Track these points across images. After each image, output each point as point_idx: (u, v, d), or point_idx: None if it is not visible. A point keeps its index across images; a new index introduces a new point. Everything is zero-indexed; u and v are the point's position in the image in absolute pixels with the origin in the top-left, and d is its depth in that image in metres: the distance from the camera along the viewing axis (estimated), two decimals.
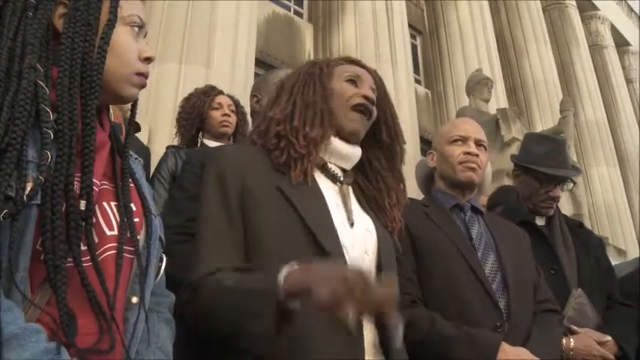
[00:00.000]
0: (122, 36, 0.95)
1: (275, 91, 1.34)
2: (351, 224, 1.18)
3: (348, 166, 1.28)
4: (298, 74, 1.30)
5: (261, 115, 1.31)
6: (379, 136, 1.33)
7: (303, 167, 1.16)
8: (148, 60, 0.98)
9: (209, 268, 1.07)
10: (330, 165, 1.25)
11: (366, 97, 1.26)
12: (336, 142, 1.25)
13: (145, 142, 4.13)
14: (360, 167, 1.31)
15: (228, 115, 2.50)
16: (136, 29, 0.97)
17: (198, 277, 1.07)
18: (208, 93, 2.55)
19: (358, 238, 1.17)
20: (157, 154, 2.67)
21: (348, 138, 1.26)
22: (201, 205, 1.16)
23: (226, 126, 2.49)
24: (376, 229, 1.22)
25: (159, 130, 5.24)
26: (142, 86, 0.98)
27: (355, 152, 1.29)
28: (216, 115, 2.49)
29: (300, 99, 1.24)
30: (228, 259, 1.08)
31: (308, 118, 1.21)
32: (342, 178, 1.26)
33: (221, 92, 2.61)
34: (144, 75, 0.97)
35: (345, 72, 1.30)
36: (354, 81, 1.29)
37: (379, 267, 1.19)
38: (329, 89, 1.26)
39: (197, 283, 1.07)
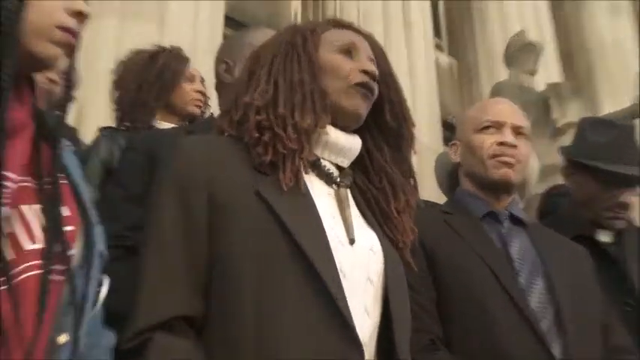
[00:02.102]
0: None
1: (247, 67, 1.34)
2: (351, 241, 1.19)
3: (346, 163, 1.30)
4: (277, 45, 1.32)
5: (232, 97, 1.32)
6: (381, 118, 1.35)
7: (294, 167, 1.18)
8: (80, 16, 0.98)
9: (150, 321, 1.07)
10: (322, 162, 1.27)
11: (366, 72, 1.28)
12: (332, 132, 1.27)
13: (71, 121, 4.11)
14: (357, 161, 1.33)
15: (202, 93, 2.49)
16: None
17: (138, 331, 1.07)
18: (180, 58, 2.53)
19: (360, 260, 1.18)
20: (87, 137, 2.64)
21: (345, 124, 1.29)
22: (150, 224, 1.16)
23: (199, 106, 2.48)
24: (382, 246, 1.23)
25: (91, 105, 5.22)
26: (69, 46, 0.98)
27: (354, 143, 1.30)
28: (189, 89, 2.47)
29: (283, 78, 1.26)
30: (179, 306, 1.09)
31: (296, 103, 1.23)
32: (338, 179, 1.27)
33: (189, 60, 2.60)
34: (70, 31, 0.97)
35: (335, 40, 1.32)
36: (348, 51, 1.31)
37: (386, 297, 1.19)
38: (318, 63, 1.28)
39: (139, 341, 1.06)
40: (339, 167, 1.29)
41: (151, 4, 6.04)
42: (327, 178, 1.26)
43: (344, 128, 1.29)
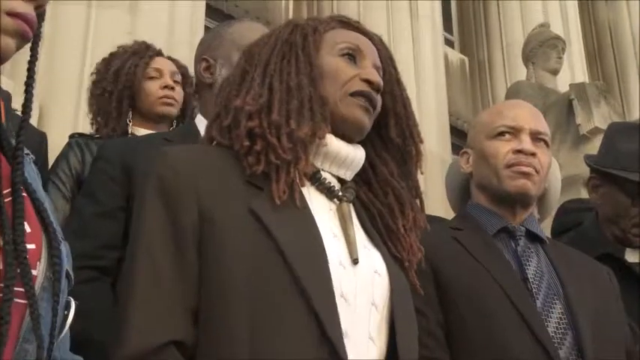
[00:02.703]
0: None
1: (240, 65, 1.35)
2: (354, 261, 1.20)
3: (349, 175, 1.32)
4: (273, 43, 1.33)
5: (221, 101, 1.33)
6: (386, 132, 1.37)
7: (289, 179, 1.18)
8: (35, 2, 0.94)
9: (143, 344, 1.07)
10: (323, 173, 1.28)
11: (369, 82, 1.29)
12: (333, 142, 1.28)
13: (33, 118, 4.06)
14: (359, 174, 1.34)
15: (172, 88, 2.50)
16: None
17: (130, 356, 1.07)
18: (141, 53, 2.55)
19: (363, 283, 1.19)
20: (53, 144, 2.66)
21: (348, 135, 1.30)
22: (136, 243, 1.17)
23: (169, 104, 2.49)
24: (387, 267, 1.25)
25: (56, 108, 5.19)
26: (22, 35, 0.93)
27: (358, 155, 1.32)
28: (153, 87, 2.49)
29: (279, 80, 1.26)
30: (175, 330, 1.09)
31: (292, 109, 1.23)
32: (339, 193, 1.28)
33: (159, 53, 2.62)
34: (23, 17, 0.92)
35: (339, 41, 1.33)
36: (352, 56, 1.32)
37: (392, 322, 1.21)
38: (318, 67, 1.29)
39: None
40: (340, 180, 1.31)
41: None
42: (327, 192, 1.27)
43: (346, 139, 1.30)
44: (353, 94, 1.28)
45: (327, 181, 1.28)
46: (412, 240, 1.31)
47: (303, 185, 1.22)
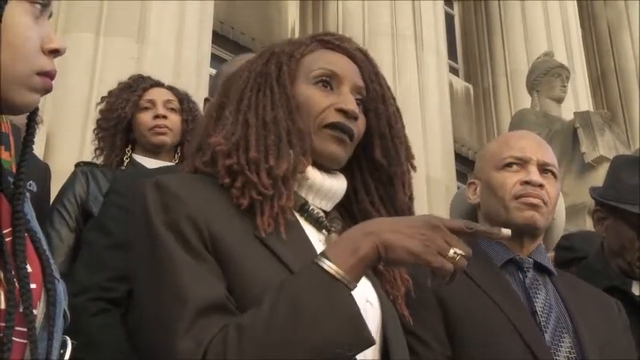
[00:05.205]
0: (17, 16, 0.94)
1: (217, 99, 1.33)
2: None
3: (329, 207, 1.30)
4: (247, 76, 1.30)
5: (200, 133, 1.32)
6: (370, 154, 1.34)
7: (273, 212, 1.17)
8: (55, 53, 0.98)
9: (201, 300, 1.05)
10: (310, 205, 1.27)
11: (343, 112, 1.27)
12: (316, 175, 1.27)
13: (40, 154, 4.08)
14: (343, 204, 1.33)
15: (164, 117, 2.50)
16: (39, 7, 0.97)
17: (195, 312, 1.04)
18: (133, 87, 2.57)
19: None
20: (59, 172, 2.67)
21: (326, 165, 1.29)
22: (143, 264, 1.14)
23: (161, 133, 2.49)
24: (379, 298, 1.24)
25: (62, 136, 5.22)
26: (47, 91, 0.97)
27: (338, 186, 1.30)
28: (146, 118, 2.51)
29: (255, 115, 1.24)
30: (221, 287, 1.09)
31: (270, 145, 1.21)
32: (327, 224, 1.27)
33: (156, 83, 2.63)
34: (49, 74, 0.97)
35: (314, 68, 1.30)
36: (327, 82, 1.30)
37: (383, 352, 1.19)
38: (294, 97, 1.27)
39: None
40: (323, 211, 1.30)
41: (130, 17, 6.07)
42: (316, 223, 1.26)
43: (323, 168, 1.28)
44: (326, 127, 1.26)
45: (315, 212, 1.27)
46: (395, 274, 1.30)
47: (290, 217, 1.20)
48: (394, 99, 1.38)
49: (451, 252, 1.04)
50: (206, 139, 1.27)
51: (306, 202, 1.26)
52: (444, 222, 1.08)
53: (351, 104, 1.27)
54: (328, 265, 1.04)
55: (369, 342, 1.04)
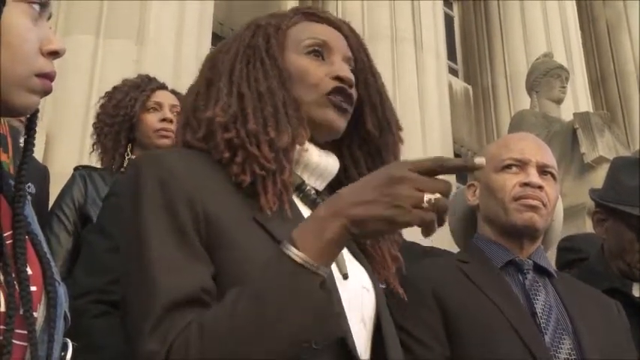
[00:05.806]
0: (16, 17, 0.94)
1: (202, 74, 1.31)
2: (344, 276, 1.15)
3: (322, 186, 1.29)
4: (236, 49, 1.28)
5: (187, 109, 1.28)
6: (362, 125, 1.32)
7: (276, 190, 1.15)
8: (55, 54, 0.98)
9: (175, 292, 1.01)
10: (307, 185, 1.26)
11: (340, 79, 1.25)
12: (314, 152, 1.26)
13: (39, 156, 4.09)
14: (333, 184, 1.29)
15: (170, 121, 2.51)
16: (37, 8, 0.97)
17: (162, 312, 1.00)
18: (142, 87, 2.57)
19: (354, 299, 1.16)
20: (59, 173, 2.67)
21: (322, 137, 1.27)
22: (135, 239, 1.09)
23: (165, 137, 2.50)
24: (372, 283, 1.23)
25: (62, 139, 5.22)
26: (46, 92, 0.97)
27: (331, 163, 1.28)
28: (152, 120, 2.51)
29: (248, 87, 1.22)
30: (199, 277, 1.04)
31: (267, 116, 1.19)
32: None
33: (162, 86, 2.63)
34: (49, 76, 0.97)
35: (304, 38, 1.29)
36: (319, 52, 1.28)
37: (375, 339, 1.18)
38: (285, 69, 1.25)
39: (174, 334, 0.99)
40: (316, 191, 1.28)
41: (130, 19, 6.08)
42: (311, 204, 1.24)
43: (314, 141, 1.26)
44: (330, 94, 1.24)
45: (310, 193, 1.25)
46: (384, 253, 1.29)
47: (291, 195, 1.19)
48: (379, 74, 1.37)
49: (425, 199, 0.95)
50: (195, 113, 1.24)
51: (302, 182, 1.25)
52: (410, 166, 0.98)
53: (347, 72, 1.26)
54: (294, 253, 0.96)
55: (334, 332, 1.01)
